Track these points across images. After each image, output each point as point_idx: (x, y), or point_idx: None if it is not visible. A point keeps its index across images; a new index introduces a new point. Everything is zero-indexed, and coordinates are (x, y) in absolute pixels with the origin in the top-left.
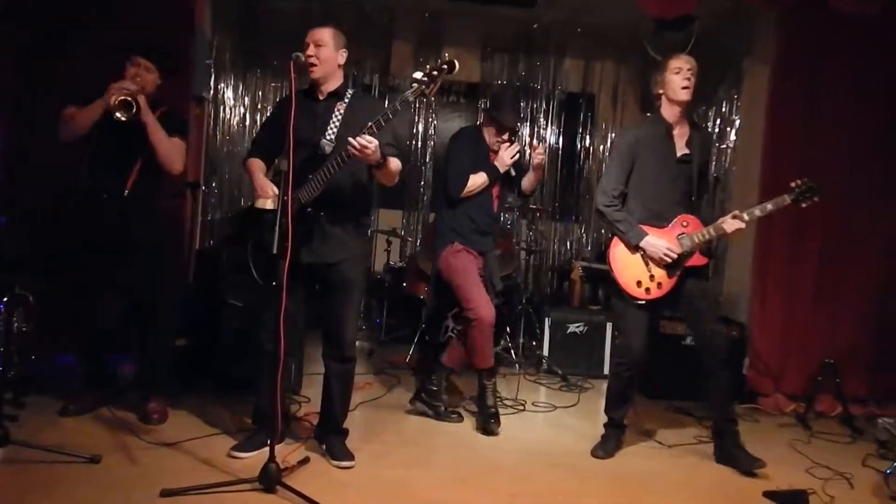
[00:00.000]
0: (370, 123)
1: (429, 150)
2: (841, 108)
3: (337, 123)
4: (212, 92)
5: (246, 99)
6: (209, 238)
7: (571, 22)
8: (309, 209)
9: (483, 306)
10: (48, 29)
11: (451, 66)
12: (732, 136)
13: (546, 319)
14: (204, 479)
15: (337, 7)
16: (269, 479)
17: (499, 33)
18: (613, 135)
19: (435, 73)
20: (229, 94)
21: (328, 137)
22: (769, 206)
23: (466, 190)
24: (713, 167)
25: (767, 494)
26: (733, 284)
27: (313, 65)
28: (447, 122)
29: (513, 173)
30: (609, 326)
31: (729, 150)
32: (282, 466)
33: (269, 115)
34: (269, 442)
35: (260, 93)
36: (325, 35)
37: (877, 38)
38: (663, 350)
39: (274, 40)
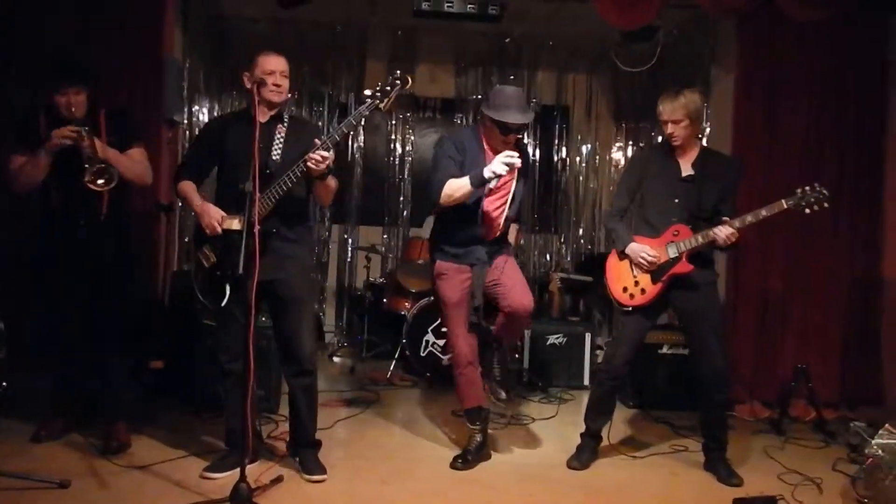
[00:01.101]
0: (324, 138)
1: (406, 167)
2: (800, 112)
3: (281, 143)
4: (186, 115)
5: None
6: (186, 260)
7: (543, 35)
8: (259, 227)
9: (459, 343)
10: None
11: (405, 80)
12: (703, 143)
13: (525, 331)
14: (175, 501)
15: (308, 27)
16: (241, 498)
17: (472, 48)
18: (588, 146)
19: (388, 87)
20: (204, 116)
21: (273, 157)
22: (763, 212)
23: (445, 195)
24: (732, 190)
25: (738, 501)
26: None
27: (281, 92)
28: (423, 137)
29: (513, 188)
30: (588, 337)
31: None
32: (254, 486)
33: (196, 137)
34: (240, 461)
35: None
36: (286, 65)
37: (828, 42)
38: (640, 359)
39: (247, 62)
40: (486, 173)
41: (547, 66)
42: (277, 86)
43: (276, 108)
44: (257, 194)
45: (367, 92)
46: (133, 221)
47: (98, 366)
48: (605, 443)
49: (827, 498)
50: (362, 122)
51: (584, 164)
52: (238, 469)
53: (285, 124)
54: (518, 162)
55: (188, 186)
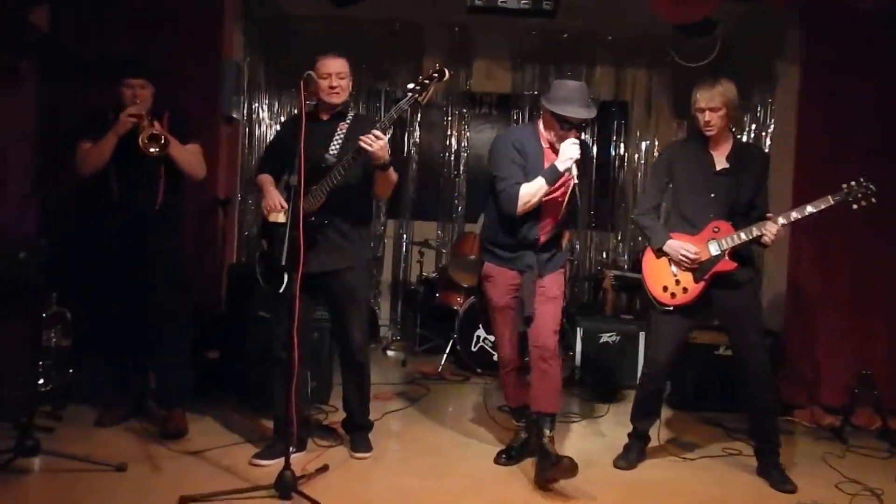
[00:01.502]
0: (377, 123)
1: (462, 162)
2: (870, 107)
3: (340, 139)
4: (246, 112)
5: (281, 118)
6: (245, 254)
7: (601, 31)
8: (312, 218)
9: (504, 346)
10: (76, 59)
11: (442, 73)
12: (768, 142)
13: (578, 329)
14: (223, 486)
15: (367, 25)
16: (285, 486)
17: (528, 44)
18: (647, 142)
19: (427, 81)
20: (264, 114)
21: (331, 152)
22: (809, 209)
23: (522, 203)
24: (767, 182)
25: None
26: (768, 293)
27: (337, 94)
28: (479, 133)
29: (575, 174)
30: (642, 336)
31: None
32: (300, 474)
33: (274, 135)
34: (286, 446)
35: (295, 111)
36: (346, 67)
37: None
38: (695, 360)
39: (306, 60)
40: (561, 166)
41: (604, 62)
42: (333, 87)
43: (337, 107)
44: (302, 188)
45: (410, 85)
46: (190, 215)
47: (155, 354)
48: (654, 443)
49: None
50: (406, 114)
51: (642, 161)
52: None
53: (348, 122)
54: (577, 151)
55: (264, 178)
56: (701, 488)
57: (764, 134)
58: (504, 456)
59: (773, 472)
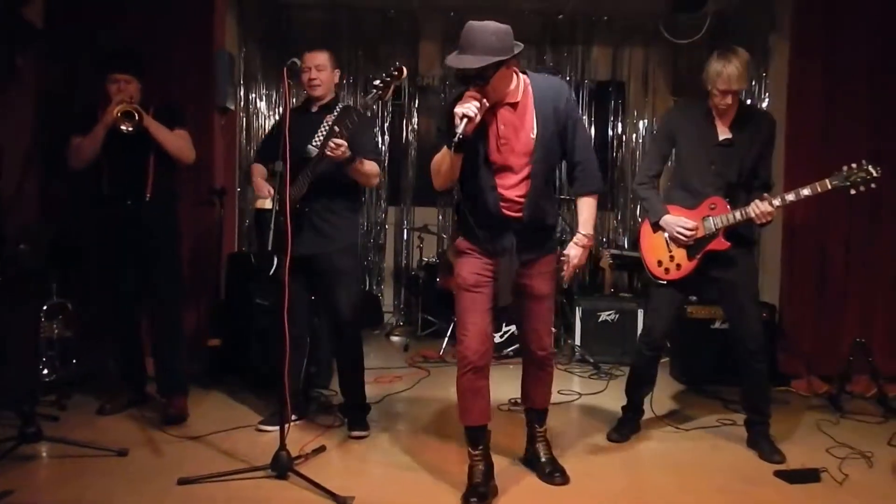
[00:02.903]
0: (336, 127)
1: None
2: (860, 81)
3: (323, 132)
4: (242, 103)
5: (279, 108)
6: (245, 243)
7: (597, 11)
8: (297, 205)
9: (466, 337)
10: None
11: (401, 71)
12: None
13: (577, 308)
14: (221, 468)
15: (361, 13)
16: (281, 465)
17: (525, 26)
18: (645, 121)
19: (388, 79)
20: (262, 104)
21: (315, 143)
22: (805, 191)
23: (434, 176)
24: (771, 149)
25: (778, 474)
26: (763, 265)
27: (316, 86)
28: None
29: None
30: (640, 313)
31: None
32: (297, 455)
33: (273, 125)
34: (282, 427)
35: (294, 101)
36: (324, 59)
37: (889, 6)
38: (692, 334)
39: (302, 50)
40: (458, 129)
41: (601, 42)
42: (312, 79)
43: (322, 99)
44: (288, 175)
45: (377, 82)
46: (187, 205)
47: (154, 342)
48: (649, 415)
49: (876, 472)
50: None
51: (640, 141)
52: (291, 423)
53: (335, 114)
54: (472, 110)
55: (255, 169)
56: (690, 456)
57: (759, 107)
58: (474, 500)
59: (762, 442)
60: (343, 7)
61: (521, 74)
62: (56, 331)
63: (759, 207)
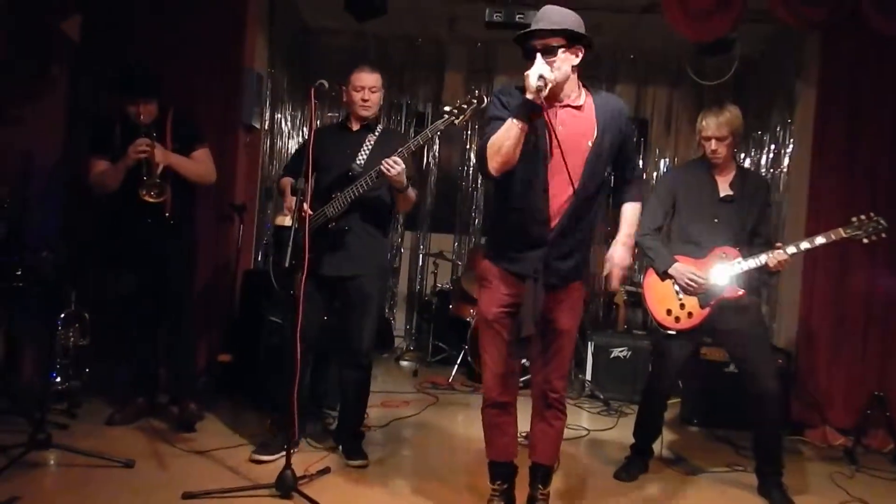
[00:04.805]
0: (401, 149)
1: (480, 176)
2: (886, 130)
3: (367, 151)
4: (268, 123)
5: (304, 129)
6: (262, 259)
7: (622, 48)
8: (332, 224)
9: (486, 371)
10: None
11: (481, 100)
12: (786, 162)
13: (589, 343)
14: (226, 484)
15: (389, 39)
16: (285, 485)
17: None
18: (666, 160)
19: (465, 105)
20: (286, 125)
21: (358, 161)
22: (819, 240)
23: (493, 152)
24: (770, 210)
25: None
26: (780, 311)
27: (369, 106)
28: None
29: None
30: None
31: (783, 176)
32: (301, 475)
33: (302, 141)
34: (288, 446)
35: (318, 122)
36: (377, 80)
37: None
38: (705, 376)
39: (328, 73)
40: (529, 94)
41: (626, 80)
42: (365, 101)
43: (367, 119)
44: (309, 192)
45: (447, 108)
46: (206, 220)
47: (167, 351)
48: (658, 456)
49: None
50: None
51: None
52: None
53: (376, 134)
54: (547, 71)
55: (284, 181)
56: (698, 501)
57: (783, 153)
58: None
59: (773, 491)
60: (370, 34)
61: (582, 86)
62: (71, 339)
63: (774, 255)
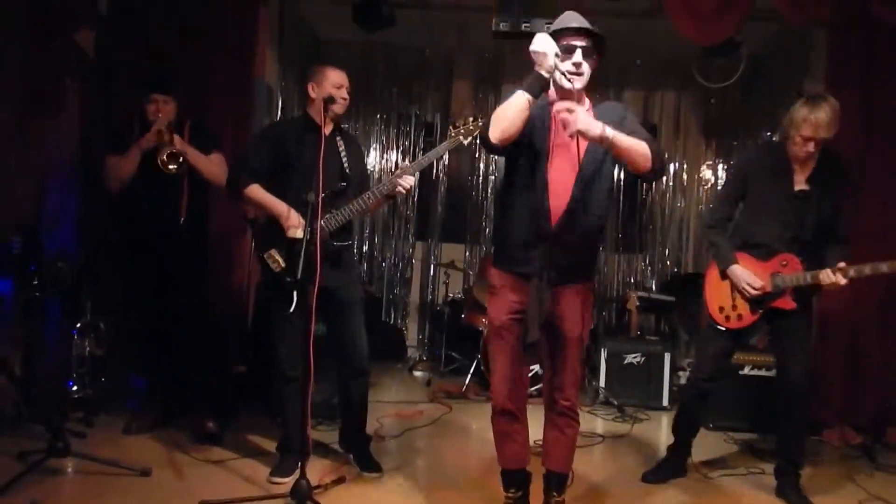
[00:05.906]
0: (411, 166)
1: (490, 185)
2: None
3: (346, 157)
4: None
5: None
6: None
7: (630, 53)
8: (335, 245)
9: (495, 379)
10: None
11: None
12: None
13: (602, 350)
14: (242, 494)
15: (398, 50)
16: (301, 494)
17: None
18: (675, 164)
19: (471, 127)
20: None
21: (347, 171)
22: (883, 268)
23: (495, 123)
24: (844, 203)
25: None
26: None
27: (346, 105)
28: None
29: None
30: (667, 357)
31: None
32: (316, 484)
33: (254, 142)
34: (300, 462)
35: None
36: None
37: None
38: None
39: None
40: (544, 69)
41: (634, 85)
42: (345, 99)
43: (337, 119)
44: (320, 204)
45: (453, 132)
46: (218, 233)
47: (182, 363)
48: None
49: None
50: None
51: (670, 183)
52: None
53: (339, 137)
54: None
55: (260, 190)
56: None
57: None
58: None
59: (791, 492)
60: (379, 45)
61: (586, 96)
62: (87, 348)
63: (830, 278)
